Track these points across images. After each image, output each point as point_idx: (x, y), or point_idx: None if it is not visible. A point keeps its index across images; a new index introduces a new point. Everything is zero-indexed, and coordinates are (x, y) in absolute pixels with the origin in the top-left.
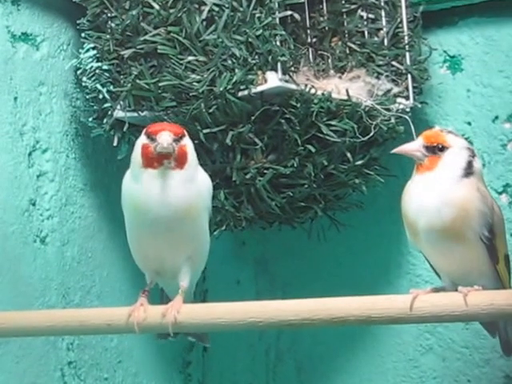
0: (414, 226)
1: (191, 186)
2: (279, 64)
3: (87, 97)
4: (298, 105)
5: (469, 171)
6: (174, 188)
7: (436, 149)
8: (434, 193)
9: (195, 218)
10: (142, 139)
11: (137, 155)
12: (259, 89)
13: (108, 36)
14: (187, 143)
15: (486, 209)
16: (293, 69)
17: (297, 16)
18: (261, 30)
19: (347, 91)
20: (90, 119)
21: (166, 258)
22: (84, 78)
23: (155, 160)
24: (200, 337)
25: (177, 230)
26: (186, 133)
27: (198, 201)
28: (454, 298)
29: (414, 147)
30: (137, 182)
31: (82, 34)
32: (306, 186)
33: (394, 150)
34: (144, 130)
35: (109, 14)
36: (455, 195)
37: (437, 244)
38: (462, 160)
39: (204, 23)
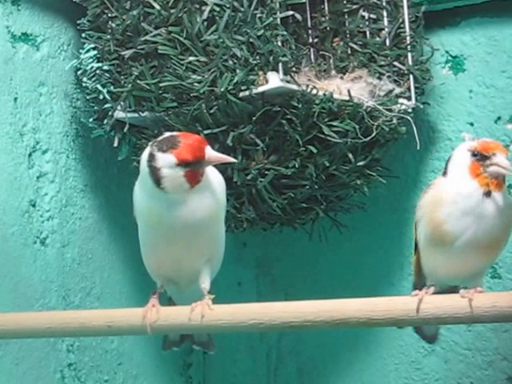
0: (447, 239)
1: (212, 184)
2: (280, 64)
3: (87, 97)
4: (300, 105)
5: None
6: (209, 192)
7: None
8: (498, 215)
9: (221, 218)
10: (177, 171)
11: (179, 185)
12: (260, 89)
13: (108, 36)
14: None
15: None
16: (294, 69)
17: (298, 16)
18: (262, 31)
19: (349, 92)
20: (91, 120)
21: (186, 262)
22: (84, 79)
23: (200, 176)
24: (205, 344)
25: (204, 233)
26: None
27: (222, 199)
28: (457, 299)
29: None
30: (181, 204)
31: (83, 35)
32: (308, 186)
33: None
34: (175, 161)
35: (109, 14)
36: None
37: (467, 255)
38: None
39: (205, 23)
